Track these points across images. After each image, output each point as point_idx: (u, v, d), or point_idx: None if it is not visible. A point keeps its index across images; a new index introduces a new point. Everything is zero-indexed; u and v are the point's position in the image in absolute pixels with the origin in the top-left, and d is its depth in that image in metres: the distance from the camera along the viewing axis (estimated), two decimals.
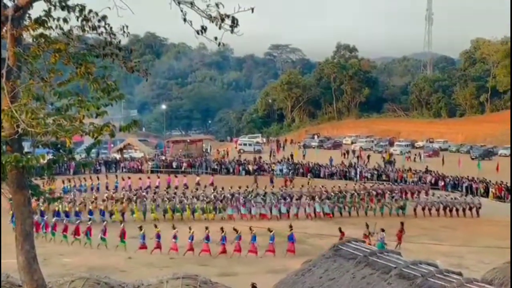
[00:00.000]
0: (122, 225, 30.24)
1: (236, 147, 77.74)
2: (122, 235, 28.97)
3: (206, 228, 28.86)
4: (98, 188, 44.71)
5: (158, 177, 50.25)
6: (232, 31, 8.39)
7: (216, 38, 8.41)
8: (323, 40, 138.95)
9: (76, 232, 30.11)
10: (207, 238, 28.23)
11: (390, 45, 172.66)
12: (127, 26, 8.82)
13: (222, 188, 42.63)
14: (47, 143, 9.45)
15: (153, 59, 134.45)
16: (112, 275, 15.45)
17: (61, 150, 9.87)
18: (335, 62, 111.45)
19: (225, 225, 30.42)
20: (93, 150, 11.22)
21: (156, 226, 29.30)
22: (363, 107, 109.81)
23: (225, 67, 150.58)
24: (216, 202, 38.07)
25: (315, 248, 26.65)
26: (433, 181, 53.17)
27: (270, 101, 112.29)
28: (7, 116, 8.02)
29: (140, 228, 29.16)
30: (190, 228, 28.90)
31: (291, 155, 66.44)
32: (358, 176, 56.89)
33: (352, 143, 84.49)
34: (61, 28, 8.60)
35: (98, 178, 47.26)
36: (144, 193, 41.25)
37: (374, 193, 43.17)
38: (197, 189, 43.35)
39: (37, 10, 8.60)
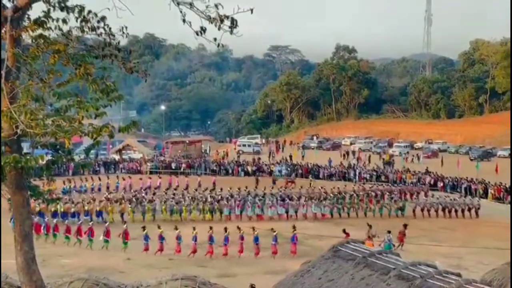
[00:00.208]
0: (125, 226, 30.14)
1: (235, 148, 77.75)
2: (124, 236, 28.93)
3: (210, 228, 28.70)
4: (99, 189, 44.76)
5: (160, 177, 50.37)
6: (231, 32, 8.40)
7: (215, 39, 8.41)
8: (322, 41, 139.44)
9: (79, 233, 30.09)
10: (211, 238, 28.18)
11: (389, 46, 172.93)
12: (126, 27, 8.83)
13: (221, 189, 42.66)
14: (46, 144, 9.44)
15: (152, 60, 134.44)
16: (111, 276, 15.42)
17: (60, 151, 9.86)
18: (334, 63, 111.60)
19: (223, 226, 30.39)
20: (92, 151, 11.23)
21: (159, 227, 29.32)
22: (362, 108, 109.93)
23: (224, 68, 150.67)
24: (213, 203, 38.11)
25: (315, 249, 26.68)
26: (432, 182, 53.19)
27: (269, 102, 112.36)
28: (6, 117, 8.02)
29: (143, 228, 29.17)
30: (194, 229, 28.87)
31: (290, 156, 66.46)
32: (357, 177, 56.91)
33: (351, 144, 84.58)
34: (60, 29, 8.61)
35: (99, 179, 47.31)
36: (143, 194, 41.23)
37: (373, 194, 43.19)
38: (196, 190, 43.38)
39: (36, 11, 8.61)
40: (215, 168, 59.78)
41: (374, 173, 57.71)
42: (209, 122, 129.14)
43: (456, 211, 41.20)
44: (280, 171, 58.37)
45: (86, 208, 36.26)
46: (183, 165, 59.20)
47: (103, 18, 8.65)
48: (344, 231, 27.71)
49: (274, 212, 38.19)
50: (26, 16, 8.64)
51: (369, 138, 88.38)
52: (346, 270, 11.02)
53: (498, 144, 76.42)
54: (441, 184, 53.15)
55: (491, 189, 50.47)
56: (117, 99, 8.99)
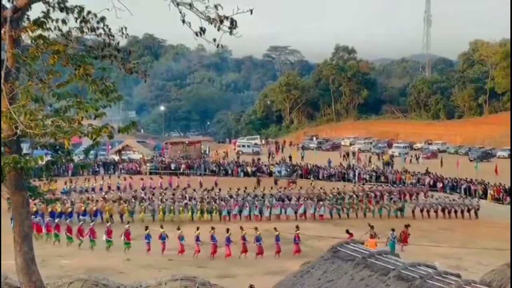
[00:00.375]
0: (128, 226, 30.11)
1: (234, 149, 77.73)
2: (125, 236, 28.90)
3: (212, 228, 28.71)
4: (101, 189, 44.78)
5: (161, 178, 50.36)
6: (230, 33, 8.40)
7: (214, 40, 8.42)
8: (321, 42, 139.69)
9: (80, 233, 30.07)
10: (213, 238, 28.16)
11: (388, 47, 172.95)
12: (125, 28, 8.84)
13: (220, 190, 42.67)
14: (45, 145, 9.45)
15: (152, 61, 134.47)
16: (110, 277, 15.41)
17: (59, 152, 9.87)
18: (333, 63, 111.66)
19: (223, 226, 30.38)
20: (91, 152, 11.25)
21: (162, 227, 29.35)
22: (362, 109, 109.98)
23: (224, 69, 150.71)
24: (211, 203, 38.09)
25: (314, 249, 26.69)
26: (431, 183, 53.21)
27: (268, 102, 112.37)
28: (5, 117, 8.02)
29: (146, 228, 29.19)
30: (197, 229, 28.85)
31: (290, 157, 66.44)
32: (356, 177, 56.92)
33: (350, 144, 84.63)
34: (60, 30, 8.61)
35: (102, 178, 47.32)
36: (142, 195, 41.21)
37: (373, 194, 43.22)
38: (194, 190, 43.39)
39: (35, 11, 8.62)
40: (214, 168, 59.76)
41: (374, 174, 57.73)
42: (208, 123, 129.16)
43: (455, 211, 41.22)
44: (279, 172, 58.36)
45: (84, 208, 36.20)
46: (183, 166, 59.17)
47: (102, 19, 8.65)
48: (347, 231, 27.79)
49: (273, 212, 38.14)
50: (26, 16, 8.65)
51: (369, 139, 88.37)
52: (346, 271, 11.01)
53: (497, 145, 76.47)
54: (441, 185, 53.16)
55: (491, 189, 50.48)
56: (117, 100, 9.00)
